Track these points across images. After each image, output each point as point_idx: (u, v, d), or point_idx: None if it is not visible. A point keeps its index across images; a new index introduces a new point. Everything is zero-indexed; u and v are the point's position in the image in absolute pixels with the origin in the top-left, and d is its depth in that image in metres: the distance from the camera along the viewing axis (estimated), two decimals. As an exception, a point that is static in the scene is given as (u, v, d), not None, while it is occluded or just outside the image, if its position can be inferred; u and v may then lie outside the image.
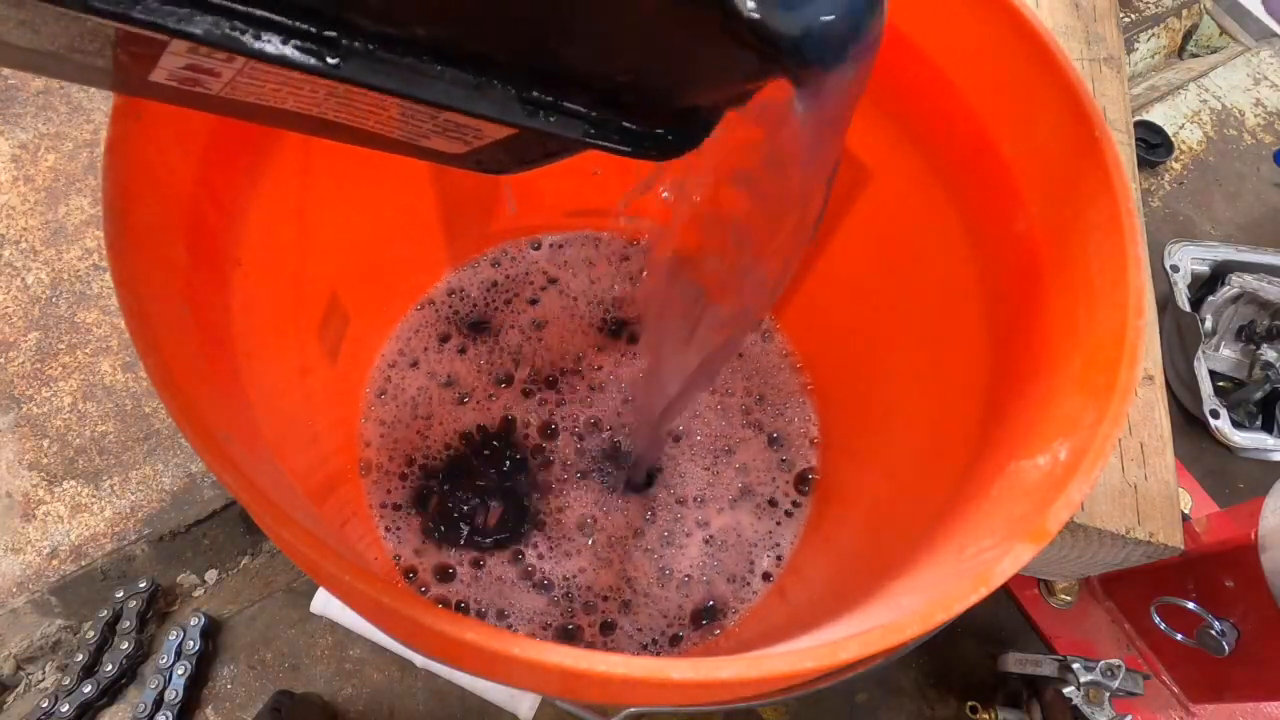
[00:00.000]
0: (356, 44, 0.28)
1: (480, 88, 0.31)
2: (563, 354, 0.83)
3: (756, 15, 0.27)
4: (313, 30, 0.27)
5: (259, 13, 0.26)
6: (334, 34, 0.28)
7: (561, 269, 0.87)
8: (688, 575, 0.74)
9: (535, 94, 0.32)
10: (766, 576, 0.74)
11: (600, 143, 0.34)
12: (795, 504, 0.78)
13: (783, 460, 0.79)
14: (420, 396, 0.79)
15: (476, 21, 0.29)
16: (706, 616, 0.72)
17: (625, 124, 0.34)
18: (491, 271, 0.86)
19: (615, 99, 0.33)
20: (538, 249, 0.87)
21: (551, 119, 0.33)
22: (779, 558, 0.75)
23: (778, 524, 0.77)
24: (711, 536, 0.75)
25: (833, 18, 0.29)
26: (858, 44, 0.30)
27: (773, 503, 0.78)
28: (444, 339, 0.82)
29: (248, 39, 0.27)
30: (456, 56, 0.30)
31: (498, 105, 0.32)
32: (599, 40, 0.30)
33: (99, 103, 1.03)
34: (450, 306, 0.83)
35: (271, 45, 0.27)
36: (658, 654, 0.70)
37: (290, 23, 0.27)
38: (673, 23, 0.28)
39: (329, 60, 0.28)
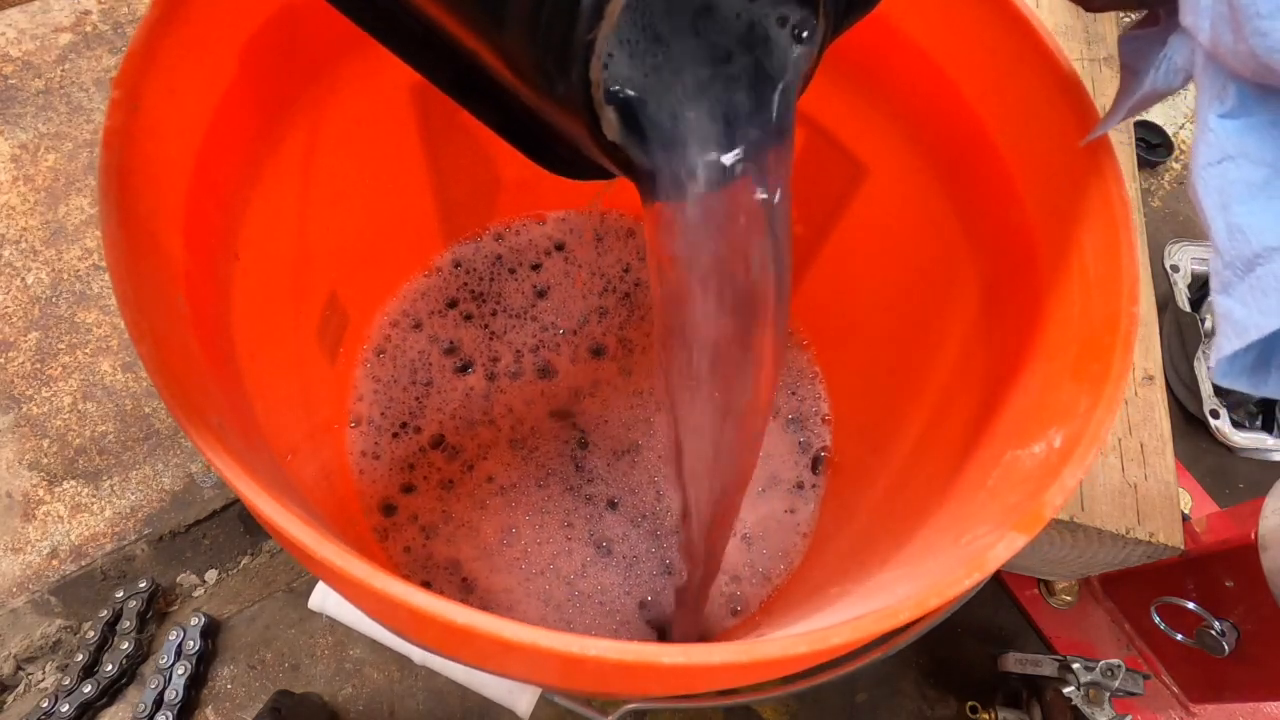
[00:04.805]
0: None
1: (427, 46, 0.36)
2: (565, 316, 0.84)
3: (618, 142, 0.31)
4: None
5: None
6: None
7: (568, 236, 0.88)
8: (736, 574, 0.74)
9: (469, 77, 0.36)
10: (789, 558, 0.75)
11: (507, 137, 0.37)
12: (814, 486, 0.78)
13: (801, 442, 0.80)
14: (420, 360, 0.80)
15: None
16: (736, 604, 0.72)
17: (531, 133, 0.37)
18: (495, 245, 0.86)
19: (529, 113, 0.36)
20: (542, 224, 0.88)
21: (472, 100, 0.37)
22: (805, 534, 0.75)
23: (807, 504, 0.77)
24: (748, 532, 0.75)
25: (677, 166, 0.32)
26: (703, 190, 0.33)
27: (799, 485, 0.78)
28: (450, 303, 0.83)
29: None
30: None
31: (431, 66, 0.36)
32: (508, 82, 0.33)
33: (99, 103, 1.03)
34: (457, 278, 0.84)
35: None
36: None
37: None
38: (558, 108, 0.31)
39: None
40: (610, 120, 0.30)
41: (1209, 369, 0.31)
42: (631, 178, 0.32)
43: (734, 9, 0.32)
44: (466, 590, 0.71)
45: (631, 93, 0.30)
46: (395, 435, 0.77)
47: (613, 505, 0.75)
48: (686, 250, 0.35)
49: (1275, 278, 0.28)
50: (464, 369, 0.80)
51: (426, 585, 0.71)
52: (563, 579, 0.72)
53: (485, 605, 0.70)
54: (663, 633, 0.71)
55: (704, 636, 0.71)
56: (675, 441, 0.45)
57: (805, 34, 0.32)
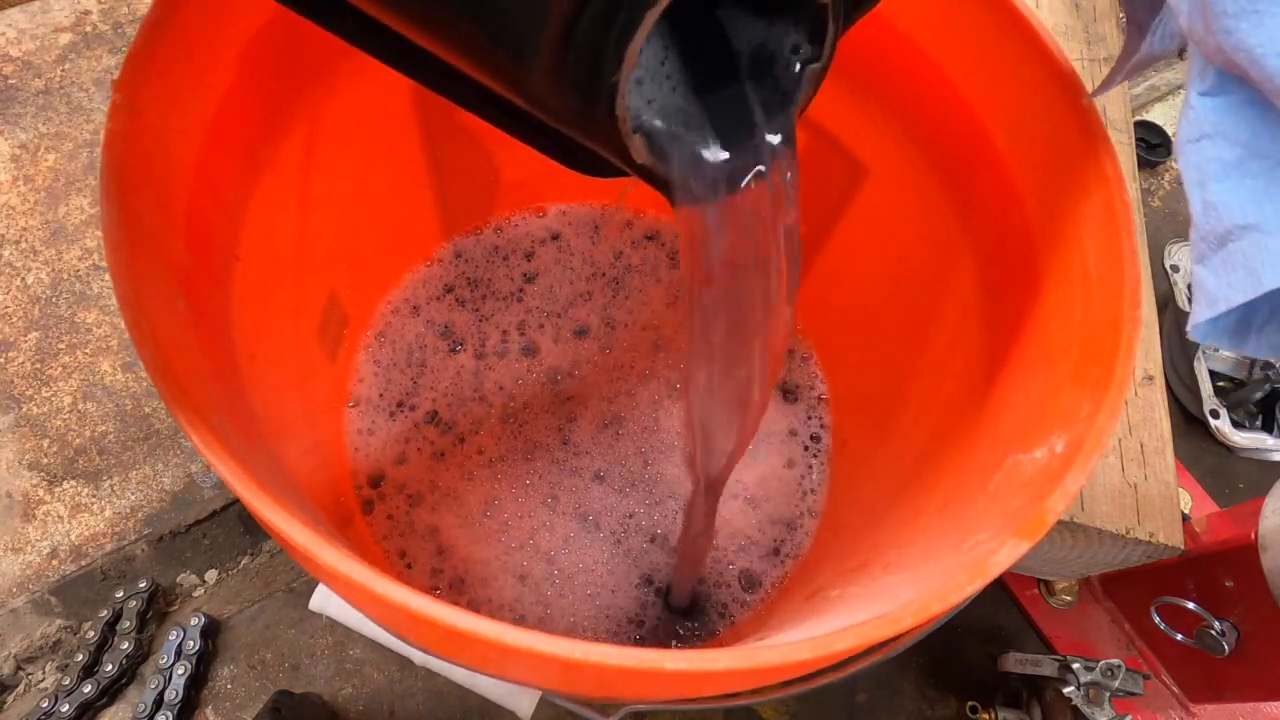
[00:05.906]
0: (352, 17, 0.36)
1: (449, 75, 0.37)
2: (551, 300, 0.85)
3: (646, 164, 0.33)
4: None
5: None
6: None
7: (566, 228, 0.89)
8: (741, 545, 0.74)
9: (492, 99, 0.37)
10: (798, 550, 0.75)
11: (536, 145, 0.40)
12: (820, 469, 0.79)
13: (799, 428, 0.80)
14: (416, 343, 0.81)
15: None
16: (747, 584, 0.73)
17: (556, 141, 0.39)
18: (494, 237, 0.87)
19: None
20: (542, 216, 0.89)
21: (496, 115, 0.39)
22: (815, 512, 0.76)
23: (812, 471, 0.78)
24: (751, 495, 0.76)
25: (697, 179, 0.35)
26: (722, 197, 0.36)
27: (805, 448, 0.79)
28: (448, 289, 0.84)
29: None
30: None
31: (453, 91, 0.38)
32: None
33: (99, 103, 1.03)
34: (457, 267, 0.85)
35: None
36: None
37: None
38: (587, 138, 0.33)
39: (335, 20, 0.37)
40: (638, 147, 0.32)
41: (1189, 330, 0.31)
42: (659, 189, 0.35)
43: (742, 36, 0.34)
44: (441, 556, 0.72)
45: (657, 121, 0.33)
46: (392, 414, 0.78)
47: (599, 478, 0.76)
48: (710, 245, 0.38)
49: (1244, 255, 0.29)
50: (455, 349, 0.81)
51: (402, 555, 0.72)
52: (542, 555, 0.73)
53: (460, 575, 0.71)
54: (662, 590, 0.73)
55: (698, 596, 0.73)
56: (689, 381, 0.47)
57: (811, 52, 0.34)
